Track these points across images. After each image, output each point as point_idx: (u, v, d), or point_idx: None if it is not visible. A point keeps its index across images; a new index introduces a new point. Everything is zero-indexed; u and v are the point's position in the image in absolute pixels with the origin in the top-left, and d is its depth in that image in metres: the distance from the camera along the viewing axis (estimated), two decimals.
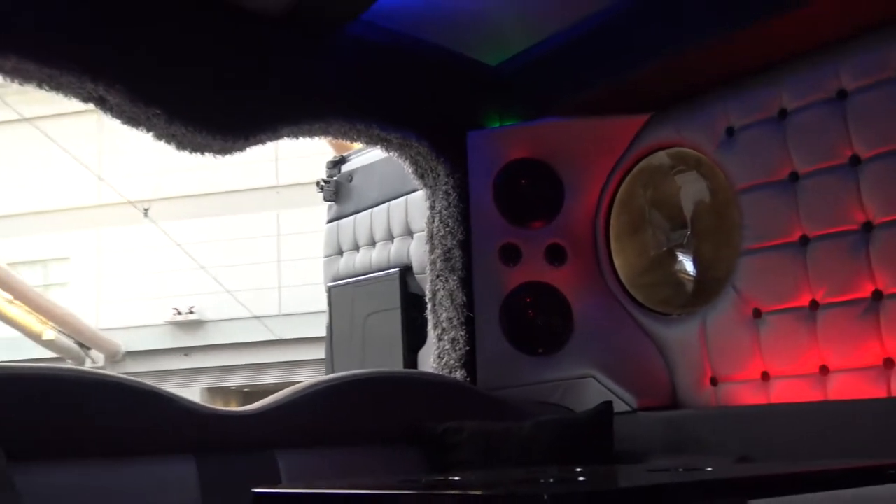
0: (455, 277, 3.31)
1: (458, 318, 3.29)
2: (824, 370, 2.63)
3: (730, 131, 2.93)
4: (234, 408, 2.68)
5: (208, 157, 2.94)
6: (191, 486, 2.27)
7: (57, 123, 13.19)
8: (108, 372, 3.00)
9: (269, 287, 14.70)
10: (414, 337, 4.23)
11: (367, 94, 3.19)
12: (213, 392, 15.15)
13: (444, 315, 3.33)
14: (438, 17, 3.18)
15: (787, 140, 2.76)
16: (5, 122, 13.77)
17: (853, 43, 2.61)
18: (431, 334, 3.42)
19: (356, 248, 4.95)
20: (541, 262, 3.30)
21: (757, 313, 2.81)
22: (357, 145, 4.75)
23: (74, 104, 2.80)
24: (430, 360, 3.43)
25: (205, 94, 2.84)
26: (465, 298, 3.29)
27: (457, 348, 3.28)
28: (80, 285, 15.58)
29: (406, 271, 4.44)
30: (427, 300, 3.43)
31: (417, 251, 4.29)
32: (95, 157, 14.57)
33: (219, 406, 2.91)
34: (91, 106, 2.73)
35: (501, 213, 3.32)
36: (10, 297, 12.94)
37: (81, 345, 14.55)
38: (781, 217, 2.76)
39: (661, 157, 3.20)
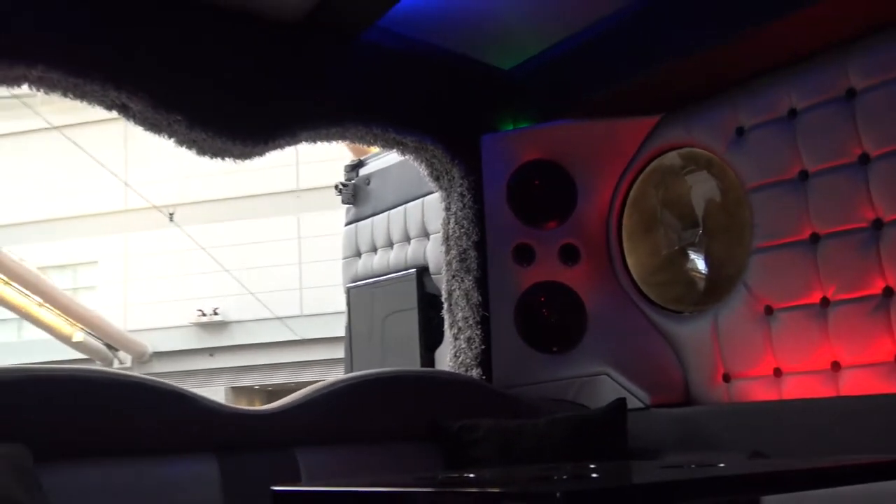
0: (470, 277, 3.34)
1: (474, 318, 3.32)
2: (836, 366, 2.64)
3: (740, 131, 2.95)
4: (254, 407, 2.70)
5: (230, 163, 2.99)
6: (212, 485, 2.28)
7: (84, 132, 13.41)
8: (130, 372, 3.06)
9: (290, 288, 14.82)
10: (431, 336, 4.26)
11: (383, 98, 3.23)
12: (237, 391, 15.31)
13: (460, 314, 3.36)
14: (452, 24, 3.21)
15: (797, 139, 2.78)
16: (35, 131, 14.03)
17: (861, 42, 2.62)
18: (448, 333, 3.44)
19: (374, 249, 4.99)
20: (554, 262, 3.33)
21: (768, 310, 2.83)
22: (374, 149, 4.80)
23: (101, 112, 2.84)
24: (446, 358, 3.45)
25: (224, 100, 2.88)
26: (480, 298, 3.32)
27: (472, 347, 3.31)
28: (107, 288, 15.81)
29: (423, 272, 4.47)
30: (443, 300, 3.46)
31: (434, 252, 4.33)
32: (122, 163, 14.78)
33: (243, 404, 2.96)
34: (115, 114, 2.78)
35: (515, 214, 3.34)
36: (40, 300, 13.18)
37: (109, 346, 14.77)
38: (792, 215, 2.77)
39: (672, 158, 3.22)
